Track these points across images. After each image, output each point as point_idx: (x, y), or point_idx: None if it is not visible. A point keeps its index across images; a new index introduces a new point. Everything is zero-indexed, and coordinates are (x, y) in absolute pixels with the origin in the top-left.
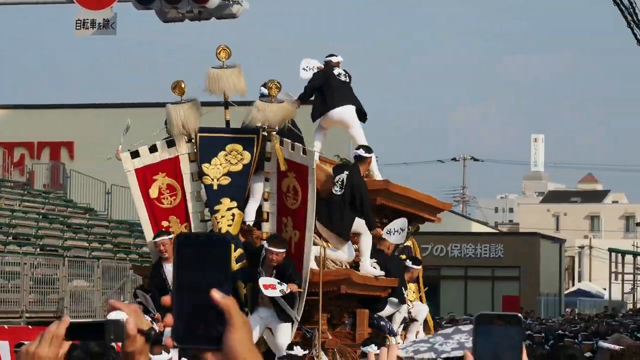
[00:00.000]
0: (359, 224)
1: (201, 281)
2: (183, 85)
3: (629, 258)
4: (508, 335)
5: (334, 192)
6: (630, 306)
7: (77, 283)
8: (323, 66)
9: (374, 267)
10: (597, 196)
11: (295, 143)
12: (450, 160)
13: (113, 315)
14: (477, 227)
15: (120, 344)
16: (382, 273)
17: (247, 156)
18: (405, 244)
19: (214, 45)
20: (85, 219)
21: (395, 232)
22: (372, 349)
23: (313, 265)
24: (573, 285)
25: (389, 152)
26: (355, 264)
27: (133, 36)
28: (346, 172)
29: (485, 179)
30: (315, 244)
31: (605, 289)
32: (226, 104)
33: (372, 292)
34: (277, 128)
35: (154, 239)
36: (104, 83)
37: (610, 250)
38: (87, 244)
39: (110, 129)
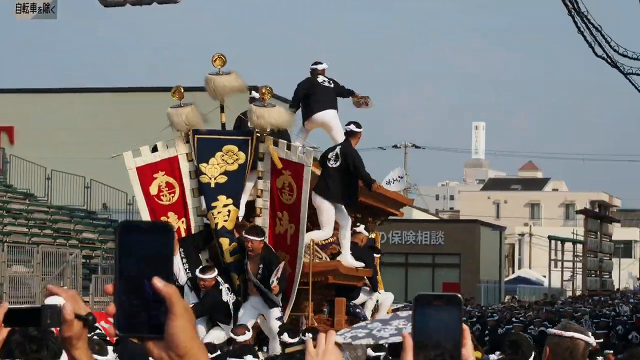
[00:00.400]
0: (342, 216)
1: (143, 269)
2: (182, 90)
3: (568, 245)
4: (447, 316)
5: (329, 165)
6: (569, 293)
7: (16, 269)
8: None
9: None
10: (537, 184)
11: (292, 143)
12: (391, 147)
13: (50, 300)
14: (417, 214)
15: (58, 329)
16: (362, 264)
17: (242, 156)
18: (369, 236)
19: (155, 29)
20: (25, 205)
21: (395, 181)
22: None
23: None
24: (513, 272)
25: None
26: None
27: (74, 20)
28: (338, 146)
29: (426, 167)
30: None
31: (544, 276)
32: (222, 108)
33: (353, 282)
34: (268, 130)
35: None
36: (44, 67)
37: (550, 237)
38: (27, 230)
39: (51, 114)
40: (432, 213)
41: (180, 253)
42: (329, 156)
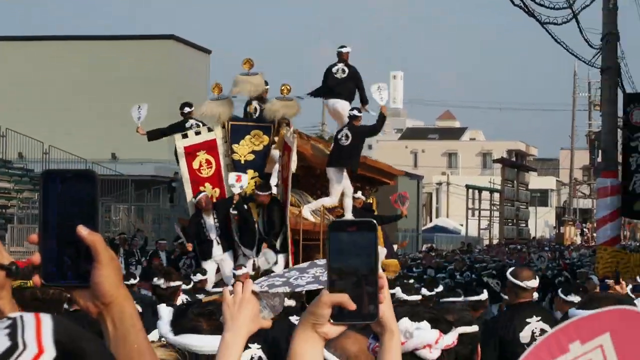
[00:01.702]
0: (347, 185)
1: (68, 218)
2: (221, 86)
3: (485, 194)
4: (361, 241)
5: (341, 144)
6: (486, 242)
7: None
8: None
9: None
10: (454, 133)
11: (290, 129)
12: (307, 96)
13: None
14: None
15: None
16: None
17: (266, 139)
18: (366, 200)
19: None
20: None
21: (380, 89)
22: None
23: (311, 218)
24: (431, 221)
25: None
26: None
27: None
28: (345, 127)
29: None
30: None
31: (462, 225)
32: (249, 101)
33: None
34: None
35: (194, 198)
36: None
37: (467, 186)
38: None
39: None
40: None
41: (213, 214)
42: (339, 136)
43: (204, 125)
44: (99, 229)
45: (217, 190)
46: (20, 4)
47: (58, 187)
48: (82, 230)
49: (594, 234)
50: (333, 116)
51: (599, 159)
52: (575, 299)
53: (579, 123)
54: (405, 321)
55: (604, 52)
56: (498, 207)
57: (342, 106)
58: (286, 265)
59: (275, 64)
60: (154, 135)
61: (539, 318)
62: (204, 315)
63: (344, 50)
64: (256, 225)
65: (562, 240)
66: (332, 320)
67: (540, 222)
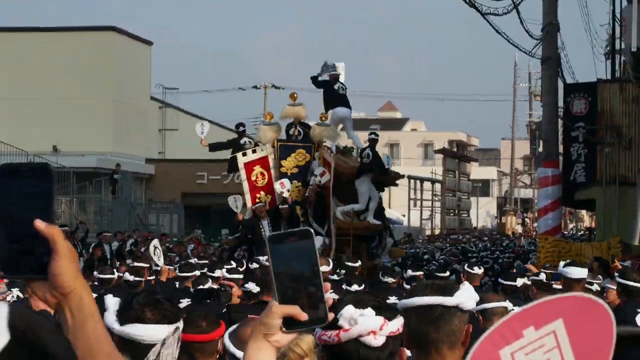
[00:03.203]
0: (372, 194)
1: (24, 211)
2: (272, 115)
3: (427, 185)
4: (302, 249)
5: (364, 161)
6: (428, 232)
7: None
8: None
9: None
10: (396, 124)
11: (331, 149)
12: (251, 87)
13: None
14: None
15: None
16: (379, 222)
17: (307, 156)
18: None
19: None
20: None
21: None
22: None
23: (341, 217)
24: None
25: (190, 80)
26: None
27: None
28: (368, 149)
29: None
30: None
31: (404, 216)
32: (295, 126)
33: (373, 233)
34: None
35: (254, 206)
36: None
37: (409, 177)
38: None
39: None
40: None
41: (267, 219)
42: (363, 155)
43: (255, 143)
44: (54, 221)
45: (269, 196)
46: None
47: (13, 181)
48: (40, 224)
49: (535, 224)
50: (337, 122)
51: (540, 149)
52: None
53: (519, 113)
54: (350, 308)
55: (544, 43)
56: (440, 197)
57: (344, 113)
58: (329, 246)
59: (217, 55)
60: (215, 147)
61: None
62: (149, 305)
63: (337, 72)
64: (302, 221)
65: (504, 230)
66: (284, 329)
67: (482, 212)
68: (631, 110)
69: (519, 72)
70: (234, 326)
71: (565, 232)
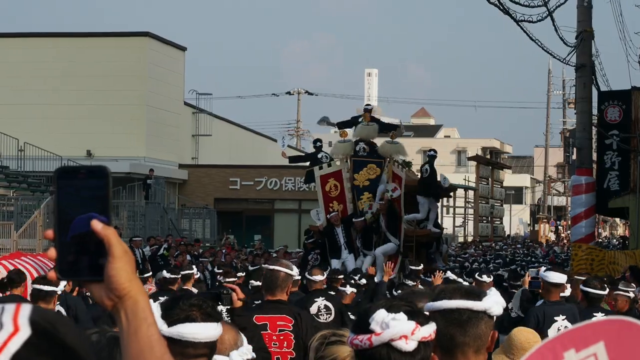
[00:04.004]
0: (432, 205)
1: (81, 212)
2: (347, 133)
3: (460, 192)
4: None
5: (424, 176)
6: (460, 239)
7: None
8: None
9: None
10: (429, 131)
11: (400, 164)
12: (284, 94)
13: None
14: None
15: None
16: (439, 230)
17: (378, 170)
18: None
19: None
20: None
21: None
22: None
23: (407, 226)
24: None
25: (224, 85)
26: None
27: None
28: (427, 165)
29: (319, 114)
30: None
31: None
32: (364, 142)
33: (431, 240)
34: (392, 156)
35: (328, 215)
36: None
37: None
38: None
39: None
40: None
41: (341, 226)
42: (422, 170)
43: (331, 157)
44: (112, 223)
45: (342, 205)
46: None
47: (71, 182)
48: (96, 225)
49: (568, 232)
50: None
51: (574, 157)
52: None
53: (553, 121)
54: (382, 312)
55: (579, 50)
56: (473, 204)
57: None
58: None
59: (251, 61)
60: (294, 160)
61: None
62: (195, 305)
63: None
64: (374, 231)
65: (537, 237)
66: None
67: (515, 220)
68: None
69: (553, 80)
70: None
71: (599, 240)
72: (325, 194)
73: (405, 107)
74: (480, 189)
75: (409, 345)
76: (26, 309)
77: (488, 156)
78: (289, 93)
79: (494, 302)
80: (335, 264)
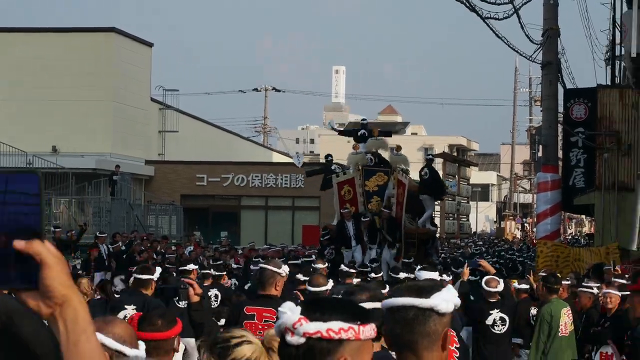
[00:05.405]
0: (430, 204)
1: (10, 220)
2: (359, 146)
3: None
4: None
5: (423, 178)
6: None
7: None
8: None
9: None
10: (396, 128)
11: (404, 172)
12: (251, 90)
13: None
14: (278, 158)
15: None
16: (436, 228)
17: (385, 178)
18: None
19: None
20: None
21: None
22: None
23: (409, 226)
24: None
25: (191, 82)
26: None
27: None
28: (426, 168)
29: (286, 110)
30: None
31: None
32: (366, 153)
33: (428, 237)
34: (398, 166)
35: (342, 210)
36: None
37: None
38: None
39: None
40: (292, 156)
41: (352, 222)
42: (422, 173)
43: (343, 168)
44: (43, 230)
45: (354, 207)
46: None
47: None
48: (19, 244)
49: (534, 229)
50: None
51: (539, 154)
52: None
53: (520, 118)
54: (289, 303)
55: (545, 48)
56: (439, 201)
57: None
58: (400, 250)
59: (218, 55)
60: (311, 173)
61: None
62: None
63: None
64: (378, 230)
65: (503, 234)
66: None
67: (481, 217)
68: (630, 116)
69: (519, 77)
70: None
71: (562, 238)
72: (341, 197)
73: (372, 104)
74: (446, 186)
75: (294, 339)
76: None
77: (455, 153)
78: (256, 90)
79: (441, 300)
80: (346, 255)
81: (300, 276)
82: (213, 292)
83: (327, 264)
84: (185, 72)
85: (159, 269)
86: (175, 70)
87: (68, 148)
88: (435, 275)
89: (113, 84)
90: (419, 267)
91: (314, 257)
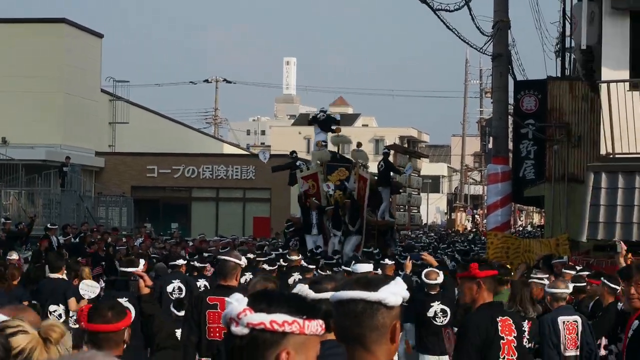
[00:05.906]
0: (386, 196)
1: None
2: (322, 143)
3: None
4: None
5: (380, 171)
6: None
7: None
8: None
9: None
10: (347, 119)
11: (364, 167)
12: (202, 82)
13: None
14: (228, 149)
15: None
16: (394, 219)
17: (347, 173)
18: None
19: None
20: None
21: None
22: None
23: (369, 218)
24: None
25: (142, 73)
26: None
27: None
28: (382, 161)
29: (237, 102)
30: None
31: None
32: (336, 155)
33: (387, 228)
34: (359, 162)
35: (308, 202)
36: None
37: None
38: None
39: None
40: (243, 148)
41: (316, 211)
42: (379, 166)
43: (307, 164)
44: None
45: (317, 200)
46: None
47: None
48: None
49: (484, 220)
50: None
51: (490, 146)
52: None
53: (470, 110)
54: (237, 294)
55: (495, 40)
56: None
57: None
58: (359, 243)
59: (169, 46)
60: (276, 169)
61: None
62: None
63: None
64: (342, 220)
65: (454, 226)
66: None
67: (432, 209)
68: (580, 108)
69: (470, 69)
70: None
71: (513, 229)
72: (306, 192)
73: (323, 95)
74: (397, 177)
75: (238, 329)
76: None
77: (405, 145)
78: (207, 81)
79: (389, 293)
80: (309, 241)
81: (265, 266)
82: (202, 282)
83: (300, 256)
84: (136, 64)
85: (142, 261)
86: (126, 61)
87: (18, 139)
88: (370, 267)
89: (63, 75)
90: (353, 262)
91: (281, 249)
